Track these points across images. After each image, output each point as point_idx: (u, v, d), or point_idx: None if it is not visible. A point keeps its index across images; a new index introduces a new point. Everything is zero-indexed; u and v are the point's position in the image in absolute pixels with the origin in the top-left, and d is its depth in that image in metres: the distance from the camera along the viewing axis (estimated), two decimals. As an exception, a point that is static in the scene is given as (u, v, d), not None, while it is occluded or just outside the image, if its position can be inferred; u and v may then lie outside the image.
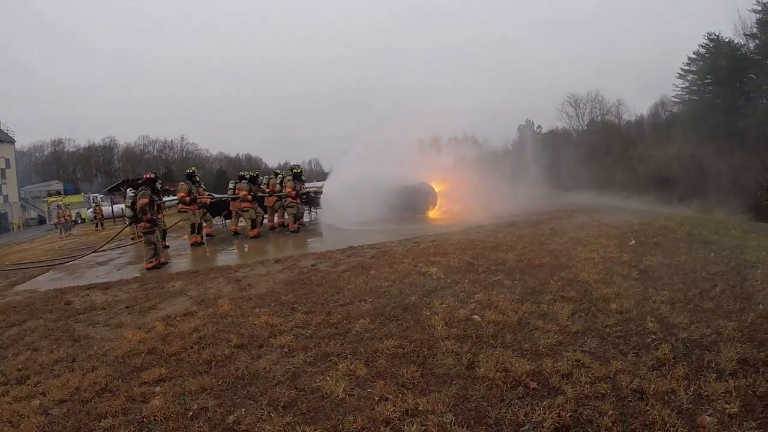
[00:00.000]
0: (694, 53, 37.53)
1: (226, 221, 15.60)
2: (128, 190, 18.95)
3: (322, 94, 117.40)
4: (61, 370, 4.33)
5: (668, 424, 2.69)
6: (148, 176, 10.60)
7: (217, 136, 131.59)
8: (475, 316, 4.68)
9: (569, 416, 2.84)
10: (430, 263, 7.10)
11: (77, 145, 73.04)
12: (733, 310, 4.40)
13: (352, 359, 3.91)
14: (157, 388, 3.72)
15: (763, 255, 6.60)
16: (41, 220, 45.10)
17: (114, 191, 27.77)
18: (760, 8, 30.71)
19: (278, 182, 14.42)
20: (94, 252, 12.90)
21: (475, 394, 3.20)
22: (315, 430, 2.93)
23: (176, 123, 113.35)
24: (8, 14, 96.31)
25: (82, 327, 5.68)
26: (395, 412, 3.02)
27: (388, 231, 11.86)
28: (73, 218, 28.48)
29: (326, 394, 3.36)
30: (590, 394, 3.06)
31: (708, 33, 35.59)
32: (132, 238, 15.38)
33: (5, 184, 50.61)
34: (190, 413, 3.28)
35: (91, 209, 31.20)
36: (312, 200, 16.45)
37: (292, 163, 15.69)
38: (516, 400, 3.08)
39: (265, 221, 14.73)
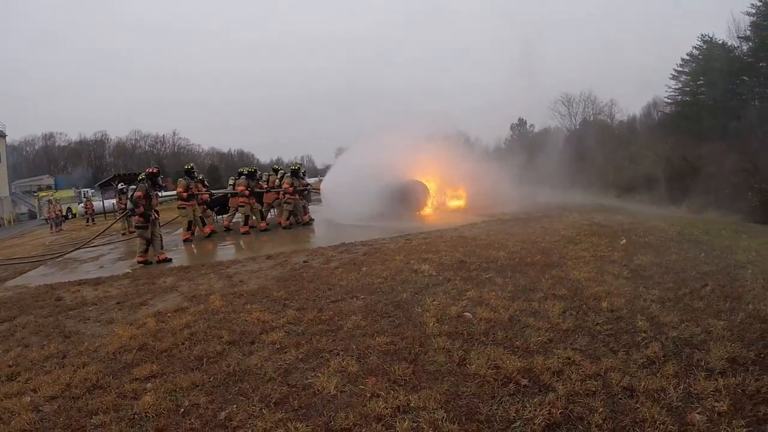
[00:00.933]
0: (687, 55, 37.85)
1: (218, 217, 15.50)
2: (119, 185, 18.74)
3: (316, 91, 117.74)
4: (52, 367, 4.30)
5: (658, 422, 2.71)
6: (150, 170, 10.31)
7: (210, 132, 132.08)
8: (467, 314, 4.69)
9: (560, 413, 2.85)
10: (422, 260, 7.11)
11: (68, 140, 72.54)
12: (723, 309, 4.43)
13: (344, 356, 3.91)
14: (149, 385, 3.70)
15: (753, 256, 6.66)
16: (32, 215, 44.67)
17: (105, 186, 27.56)
18: (754, 11, 30.96)
19: (278, 179, 14.40)
20: (84, 246, 12.85)
21: (467, 390, 3.21)
22: (307, 426, 2.93)
23: (168, 118, 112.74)
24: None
25: (72, 323, 5.64)
26: (387, 408, 3.03)
27: (381, 228, 11.84)
28: (64, 213, 28.27)
29: (318, 390, 3.36)
30: (581, 392, 3.07)
31: (702, 35, 35.94)
32: (122, 233, 15.28)
33: (-5, 178, 50.11)
34: (182, 410, 3.26)
35: (82, 204, 30.92)
36: (306, 196, 16.47)
37: (285, 160, 15.73)
38: (507, 397, 3.09)
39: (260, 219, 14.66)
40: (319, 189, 16.18)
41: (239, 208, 13.47)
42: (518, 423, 2.82)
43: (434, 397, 3.13)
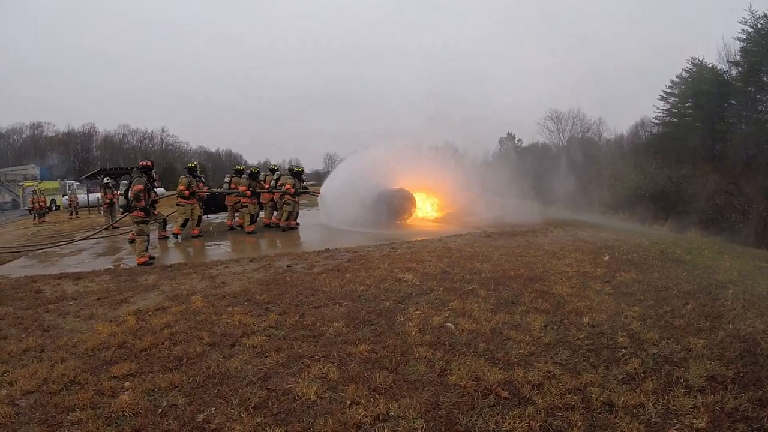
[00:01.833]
0: (677, 77, 38.45)
1: (208, 216, 15.39)
2: (105, 179, 18.49)
3: (306, 94, 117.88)
4: (30, 360, 4.22)
5: (635, 438, 2.74)
6: (143, 163, 9.99)
7: (198, 131, 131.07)
8: (449, 324, 4.71)
9: (539, 426, 2.87)
10: (406, 269, 7.11)
11: (56, 130, 71.57)
12: (703, 328, 4.50)
13: (325, 362, 3.90)
14: (127, 383, 3.65)
15: (735, 276, 6.76)
16: (15, 205, 43.93)
17: (91, 179, 27.20)
18: (744, 37, 31.58)
19: (274, 179, 14.41)
20: (85, 239, 12.76)
21: (447, 401, 3.21)
22: (285, 431, 2.91)
23: (157, 114, 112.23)
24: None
25: (52, 317, 5.54)
26: (366, 416, 3.02)
27: (366, 234, 11.90)
28: (48, 204, 27.86)
29: (298, 396, 3.34)
30: (560, 405, 3.10)
31: (692, 58, 36.54)
32: (106, 228, 15.08)
33: (-20, 166, 49.30)
34: (160, 410, 3.22)
35: (66, 197, 30.51)
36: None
37: (272, 161, 15.82)
38: (487, 409, 3.10)
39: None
40: (318, 192, 16.30)
41: (242, 207, 13.44)
42: (497, 435, 2.83)
43: (414, 406, 3.13)
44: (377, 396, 3.28)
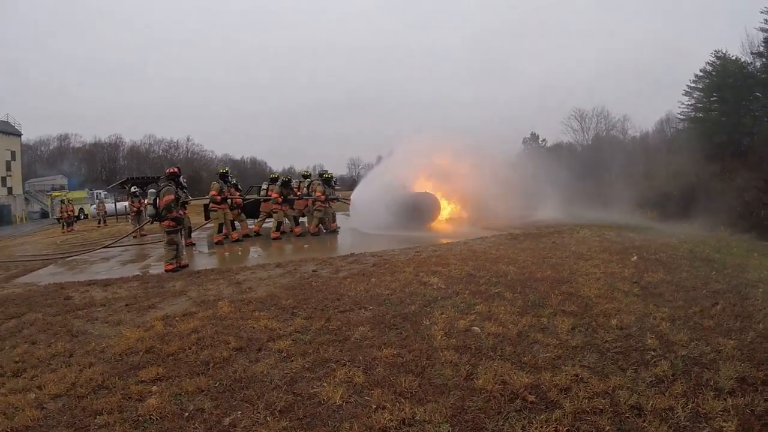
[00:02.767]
0: (701, 71, 37.55)
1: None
2: (132, 188, 18.86)
3: (329, 102, 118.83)
4: (58, 365, 4.33)
5: (666, 443, 2.68)
6: (170, 170, 9.69)
7: (223, 139, 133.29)
8: (475, 328, 4.68)
9: (566, 431, 2.83)
10: (432, 273, 7.08)
11: (83, 141, 73.37)
12: (733, 328, 4.40)
13: (351, 366, 3.91)
14: (154, 387, 3.71)
15: (765, 274, 6.60)
16: (44, 214, 45.13)
17: (118, 189, 27.77)
18: (767, 27, 30.77)
19: (306, 186, 14.67)
20: (105, 247, 13.05)
21: (473, 405, 3.19)
22: (311, 435, 2.93)
23: (183, 123, 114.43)
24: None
25: (80, 322, 5.67)
26: (392, 420, 3.02)
27: (392, 237, 11.96)
28: (76, 214, 28.57)
29: (323, 400, 3.36)
30: (588, 409, 3.05)
31: (715, 51, 35.69)
32: (134, 236, 15.37)
33: (10, 176, 50.83)
34: (186, 414, 3.27)
35: (95, 206, 31.26)
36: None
37: (297, 168, 16.09)
38: (513, 413, 3.07)
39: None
40: (348, 200, 16.61)
41: (273, 214, 13.67)
42: (524, 440, 2.80)
43: (440, 410, 3.11)
44: (403, 400, 3.28)
